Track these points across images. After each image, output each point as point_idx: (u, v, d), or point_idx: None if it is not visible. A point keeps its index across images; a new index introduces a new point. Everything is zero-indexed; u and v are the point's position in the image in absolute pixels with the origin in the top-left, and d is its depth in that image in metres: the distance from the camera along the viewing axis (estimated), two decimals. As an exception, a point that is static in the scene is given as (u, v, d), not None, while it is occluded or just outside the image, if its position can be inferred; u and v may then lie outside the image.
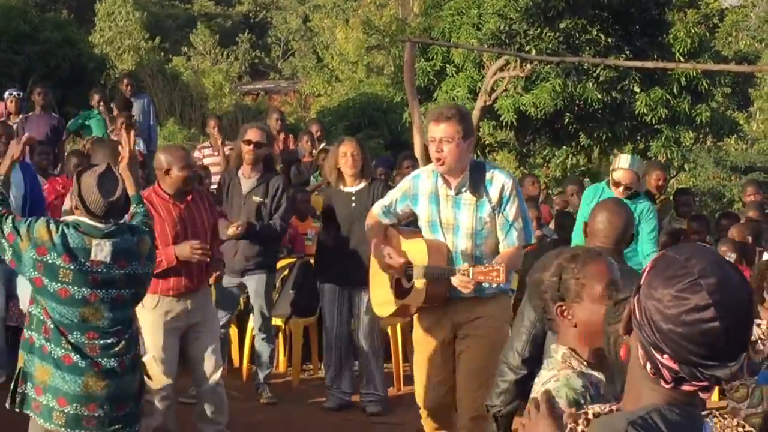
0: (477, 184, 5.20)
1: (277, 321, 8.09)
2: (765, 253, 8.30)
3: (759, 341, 6.97)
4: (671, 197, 10.73)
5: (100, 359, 4.31)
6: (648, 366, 1.93)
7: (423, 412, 5.54)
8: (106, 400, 4.30)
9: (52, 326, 4.28)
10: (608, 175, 11.01)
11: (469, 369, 5.29)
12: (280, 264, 8.39)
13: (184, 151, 6.38)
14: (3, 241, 4.27)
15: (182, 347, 6.15)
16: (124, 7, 27.46)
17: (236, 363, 8.36)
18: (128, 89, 12.39)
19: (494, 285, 5.06)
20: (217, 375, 6.31)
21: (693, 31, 15.46)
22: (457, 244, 5.25)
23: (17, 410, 4.41)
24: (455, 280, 5.06)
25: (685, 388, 1.92)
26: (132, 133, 5.17)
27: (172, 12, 36.64)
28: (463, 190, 5.22)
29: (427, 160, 13.14)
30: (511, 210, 5.20)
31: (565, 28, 15.12)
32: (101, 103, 11.70)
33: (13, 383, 4.43)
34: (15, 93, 11.44)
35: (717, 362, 1.86)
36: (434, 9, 17.22)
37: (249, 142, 7.50)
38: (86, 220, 4.30)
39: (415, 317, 5.55)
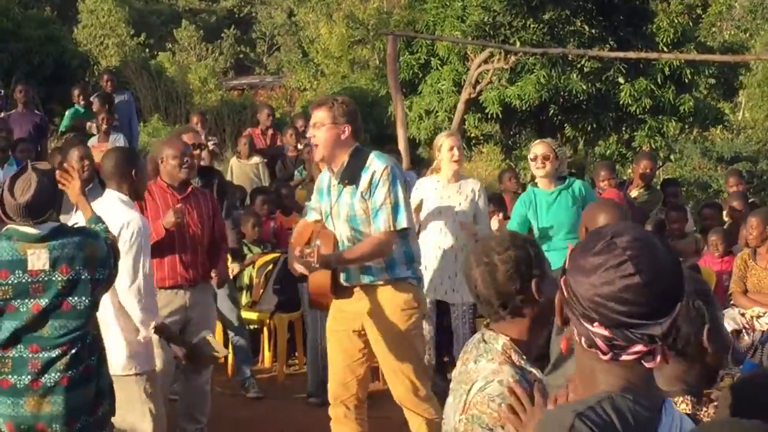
0: (352, 171, 5.18)
1: (261, 316, 8.06)
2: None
3: (744, 331, 6.99)
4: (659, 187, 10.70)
5: (40, 377, 4.09)
6: (583, 340, 1.91)
7: (330, 400, 5.53)
8: (53, 418, 4.09)
9: None
10: (593, 167, 11.04)
11: (384, 362, 5.34)
12: (264, 259, 8.38)
13: (179, 142, 6.41)
14: None
15: None
16: (106, 4, 27.31)
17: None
18: (108, 85, 12.35)
19: (315, 265, 4.96)
20: (208, 374, 6.30)
21: (677, 21, 15.48)
22: (341, 233, 5.26)
23: None
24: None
25: (625, 358, 1.88)
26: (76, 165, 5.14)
27: (157, 8, 36.56)
28: (342, 177, 5.22)
29: (411, 153, 13.19)
30: (379, 195, 5.12)
31: (549, 19, 15.11)
32: (81, 99, 11.75)
33: None
34: (-4, 91, 11.45)
35: (645, 320, 1.84)
36: (418, 2, 17.20)
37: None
38: (16, 226, 4.11)
39: None
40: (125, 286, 4.96)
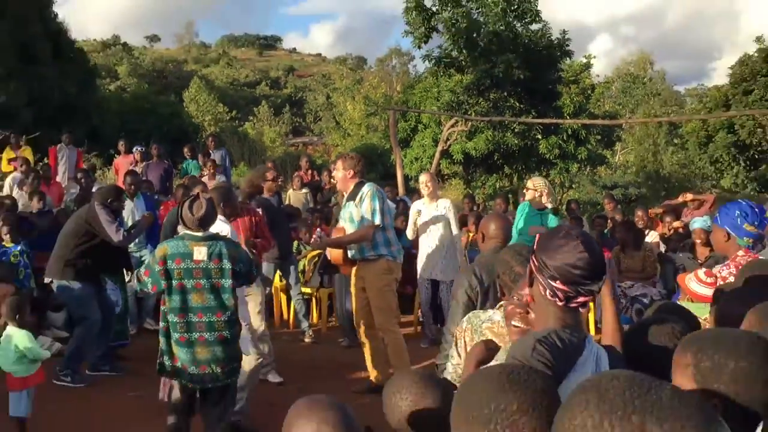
0: (353, 194, 5.66)
1: (310, 290, 8.06)
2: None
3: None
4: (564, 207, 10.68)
5: (204, 333, 4.11)
6: (548, 293, 1.98)
7: (356, 326, 5.90)
8: (210, 361, 4.13)
9: (172, 319, 4.11)
10: (525, 194, 11.00)
11: (372, 304, 5.68)
12: (312, 253, 8.39)
13: (255, 174, 6.35)
14: (144, 278, 4.13)
15: None
16: (203, 92, 27.05)
17: (285, 317, 8.36)
18: (212, 144, 12.38)
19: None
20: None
21: (575, 99, 15.54)
22: (347, 227, 5.67)
23: (158, 374, 4.24)
24: None
25: (573, 304, 1.97)
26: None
27: (243, 94, 36.77)
28: (348, 197, 5.70)
29: (406, 185, 13.18)
30: (364, 205, 5.57)
31: (493, 98, 15.19)
32: (189, 154, 11.85)
33: (158, 359, 4.23)
34: (139, 148, 11.50)
35: (591, 280, 1.95)
36: (410, 89, 17.30)
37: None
38: (188, 231, 4.15)
39: None
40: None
